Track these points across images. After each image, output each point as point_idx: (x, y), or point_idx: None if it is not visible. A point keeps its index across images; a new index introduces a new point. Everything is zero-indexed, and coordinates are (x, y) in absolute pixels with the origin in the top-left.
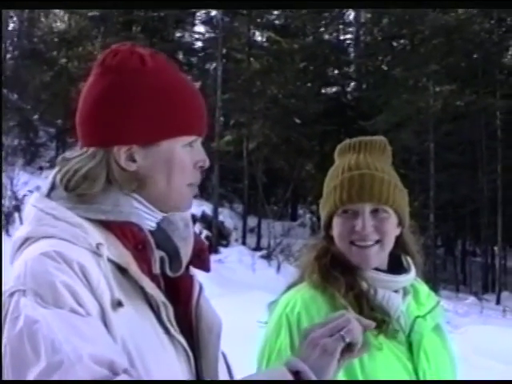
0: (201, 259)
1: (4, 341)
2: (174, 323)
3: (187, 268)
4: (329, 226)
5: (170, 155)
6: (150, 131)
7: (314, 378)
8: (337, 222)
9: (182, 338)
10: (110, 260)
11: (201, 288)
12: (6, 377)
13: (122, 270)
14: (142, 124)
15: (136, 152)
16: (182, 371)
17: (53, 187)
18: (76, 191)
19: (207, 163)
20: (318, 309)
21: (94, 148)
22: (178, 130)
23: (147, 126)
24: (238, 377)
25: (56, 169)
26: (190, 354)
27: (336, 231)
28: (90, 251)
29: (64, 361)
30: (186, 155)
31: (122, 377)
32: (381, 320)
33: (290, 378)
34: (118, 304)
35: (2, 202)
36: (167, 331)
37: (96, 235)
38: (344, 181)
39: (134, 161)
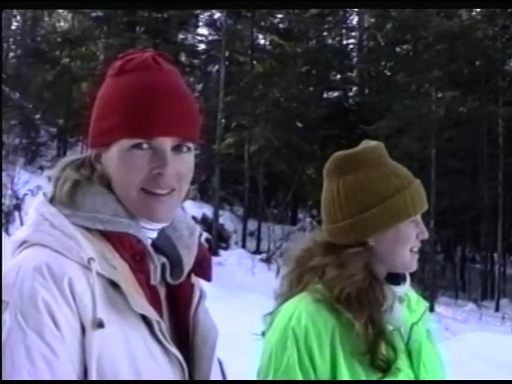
0: (203, 268)
1: None
2: (168, 337)
3: (189, 276)
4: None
5: (117, 158)
6: (102, 134)
7: None
8: (404, 231)
9: (176, 351)
10: (101, 275)
11: (201, 297)
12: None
13: (115, 284)
14: (97, 127)
15: (102, 154)
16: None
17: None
18: (62, 192)
19: (166, 170)
20: (325, 321)
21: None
22: (118, 132)
23: (101, 128)
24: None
25: (55, 175)
26: (185, 365)
27: (402, 239)
28: (81, 265)
29: None
30: (134, 159)
31: None
32: (389, 361)
33: None
34: (98, 325)
35: (2, 201)
36: (161, 344)
37: (89, 249)
38: (411, 191)
39: (100, 162)
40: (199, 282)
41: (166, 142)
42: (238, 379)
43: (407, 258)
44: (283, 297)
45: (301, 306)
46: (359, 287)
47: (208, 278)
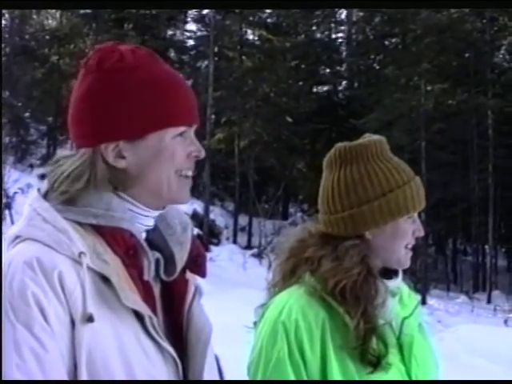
0: (197, 264)
1: None
2: (161, 332)
3: (184, 272)
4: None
5: (158, 148)
6: (134, 125)
7: None
8: (402, 227)
9: (169, 346)
10: (93, 270)
11: (196, 293)
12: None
13: (106, 279)
14: (126, 119)
15: (124, 148)
16: (169, 377)
17: (49, 188)
18: (58, 190)
19: (202, 153)
20: (316, 315)
21: (83, 149)
22: (163, 121)
23: (131, 120)
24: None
25: (49, 169)
26: (178, 361)
27: (399, 234)
28: (72, 259)
29: None
30: (176, 146)
31: None
32: (379, 356)
33: None
34: (88, 319)
35: None
36: (154, 340)
37: (80, 243)
38: (412, 187)
39: (122, 157)
40: (195, 279)
41: (193, 129)
42: (236, 379)
43: (402, 254)
44: (275, 288)
45: (292, 299)
46: (354, 281)
47: (203, 275)
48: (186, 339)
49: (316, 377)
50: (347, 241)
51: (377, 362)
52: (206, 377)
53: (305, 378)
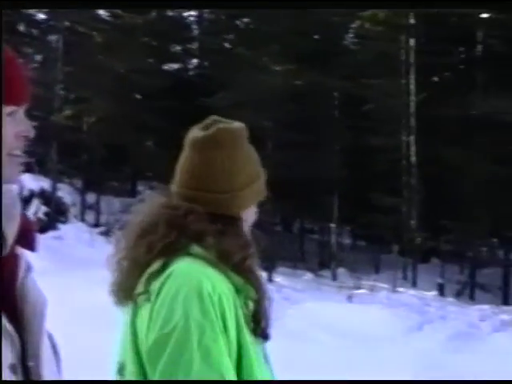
0: (27, 239)
1: None
2: None
3: (14, 248)
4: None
5: None
6: None
7: None
8: (252, 210)
9: (5, 321)
10: None
11: (28, 268)
12: None
13: None
14: None
15: None
16: (6, 354)
17: None
18: None
19: (32, 133)
20: (228, 287)
21: None
22: None
23: None
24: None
25: None
26: (15, 335)
27: (250, 217)
28: None
29: None
30: (4, 126)
31: None
32: (266, 327)
33: None
34: None
35: None
36: None
37: None
38: (264, 176)
39: None
40: (24, 254)
41: (23, 108)
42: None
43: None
44: (149, 258)
45: (201, 270)
46: (253, 257)
47: (33, 249)
48: (22, 313)
49: (235, 349)
50: (239, 220)
51: (265, 333)
52: (43, 349)
53: (226, 350)
